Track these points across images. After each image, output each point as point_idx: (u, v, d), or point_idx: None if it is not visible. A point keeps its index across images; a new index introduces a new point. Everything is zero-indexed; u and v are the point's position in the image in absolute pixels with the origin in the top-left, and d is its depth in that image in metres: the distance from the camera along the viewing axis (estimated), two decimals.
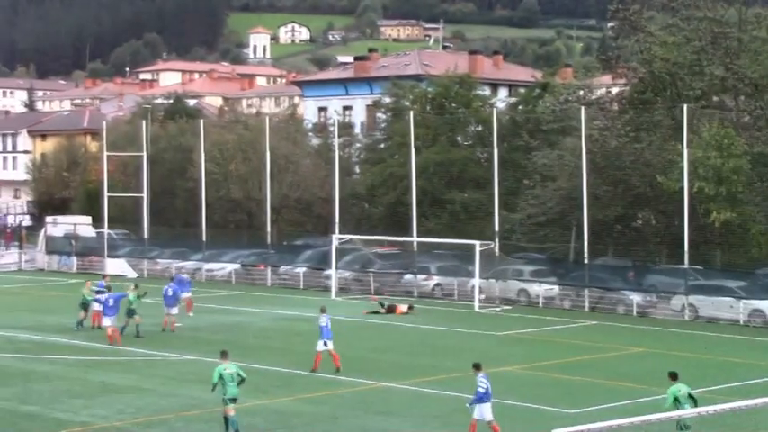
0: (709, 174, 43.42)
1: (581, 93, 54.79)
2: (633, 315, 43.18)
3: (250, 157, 62.08)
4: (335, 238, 49.30)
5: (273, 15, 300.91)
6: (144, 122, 62.14)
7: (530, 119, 57.19)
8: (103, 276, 44.02)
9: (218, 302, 46.25)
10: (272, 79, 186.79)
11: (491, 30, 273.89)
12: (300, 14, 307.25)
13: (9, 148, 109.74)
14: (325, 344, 29.92)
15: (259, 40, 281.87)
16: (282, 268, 54.04)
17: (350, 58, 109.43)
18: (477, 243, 45.29)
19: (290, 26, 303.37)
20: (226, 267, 55.63)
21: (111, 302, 35.49)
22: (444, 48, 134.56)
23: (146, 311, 37.41)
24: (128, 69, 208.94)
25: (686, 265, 42.63)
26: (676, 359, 33.33)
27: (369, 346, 35.60)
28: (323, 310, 30.38)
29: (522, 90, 68.42)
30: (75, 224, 62.79)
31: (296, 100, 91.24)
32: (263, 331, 38.88)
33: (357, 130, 74.29)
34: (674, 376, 21.04)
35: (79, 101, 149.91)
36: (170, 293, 38.24)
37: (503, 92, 76.88)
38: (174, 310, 38.29)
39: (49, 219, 65.53)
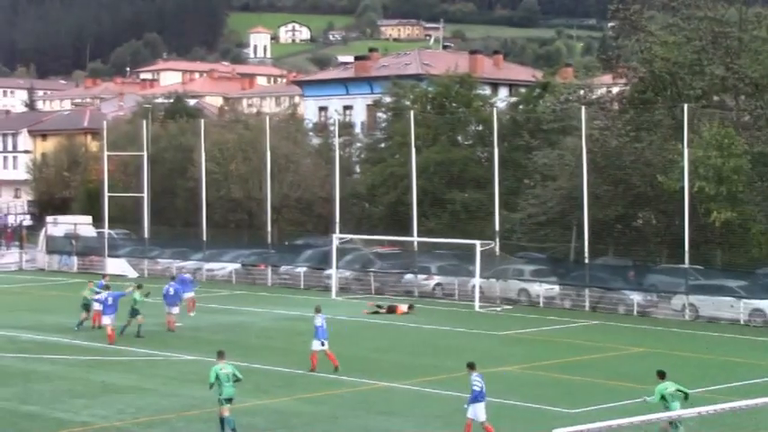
0: (709, 173, 43.42)
1: (581, 92, 54.80)
2: (634, 315, 43.18)
3: (250, 157, 62.08)
4: (336, 238, 49.30)
5: (274, 15, 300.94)
6: (144, 122, 62.15)
7: (530, 118, 57.18)
8: (103, 276, 44.06)
9: (219, 302, 46.26)
10: (272, 79, 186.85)
11: (491, 29, 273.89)
12: (301, 14, 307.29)
13: (9, 147, 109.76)
14: (322, 344, 29.94)
15: (259, 40, 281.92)
16: (283, 268, 54.04)
17: (350, 58, 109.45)
18: (477, 243, 45.31)
19: (290, 26, 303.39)
20: (226, 267, 55.64)
21: (110, 301, 35.53)
22: (445, 47, 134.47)
23: (147, 311, 37.39)
24: (128, 69, 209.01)
25: (687, 265, 42.63)
26: (677, 359, 33.35)
27: (369, 346, 35.61)
28: (318, 310, 30.39)
29: (522, 90, 68.41)
30: (75, 224, 62.80)
31: (296, 100, 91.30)
32: (264, 331, 38.89)
33: (357, 129, 74.29)
34: (661, 375, 21.33)
35: (79, 100, 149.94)
36: (171, 293, 38.27)
37: (503, 91, 76.88)
38: (175, 310, 38.33)
39: (49, 218, 65.54)
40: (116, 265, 57.47)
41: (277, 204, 58.50)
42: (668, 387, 20.97)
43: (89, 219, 64.11)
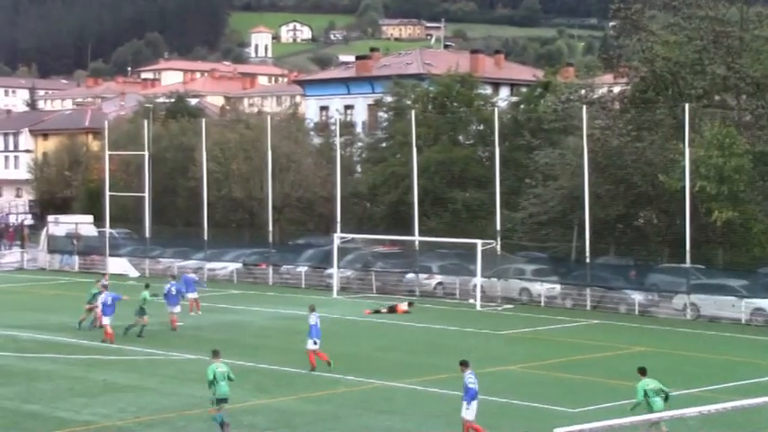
0: (710, 173, 43.41)
1: (582, 92, 54.80)
2: (635, 314, 43.17)
3: (252, 157, 62.08)
4: (337, 238, 49.30)
5: (275, 14, 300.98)
6: (146, 122, 62.14)
7: (531, 118, 57.17)
8: (103, 275, 44.06)
9: (220, 301, 46.27)
10: (273, 78, 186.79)
11: (492, 29, 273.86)
12: (302, 14, 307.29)
13: (11, 147, 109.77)
14: (315, 342, 29.96)
15: (260, 40, 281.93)
16: (284, 267, 54.04)
17: (351, 58, 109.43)
18: (478, 242, 45.31)
19: (291, 25, 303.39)
20: (227, 266, 55.64)
21: (109, 301, 35.59)
22: (446, 47, 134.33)
23: (149, 310, 37.39)
24: (129, 69, 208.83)
25: (688, 265, 42.61)
26: (678, 358, 33.37)
27: (371, 346, 35.62)
28: (312, 309, 30.41)
29: (523, 89, 68.39)
30: (76, 223, 62.81)
31: (297, 99, 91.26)
32: (265, 330, 38.91)
33: (359, 129, 74.28)
34: (642, 371, 21.77)
35: (81, 100, 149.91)
36: (173, 292, 38.33)
37: (504, 91, 76.86)
38: (177, 309, 38.38)
39: (50, 218, 65.55)
40: (117, 265, 57.48)
41: (278, 204, 58.49)
42: (649, 384, 21.40)
43: (90, 218, 64.13)
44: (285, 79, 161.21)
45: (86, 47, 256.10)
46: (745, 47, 48.24)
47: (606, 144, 47.84)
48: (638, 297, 43.76)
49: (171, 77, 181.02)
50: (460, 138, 61.44)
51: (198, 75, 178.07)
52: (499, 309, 44.93)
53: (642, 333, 38.55)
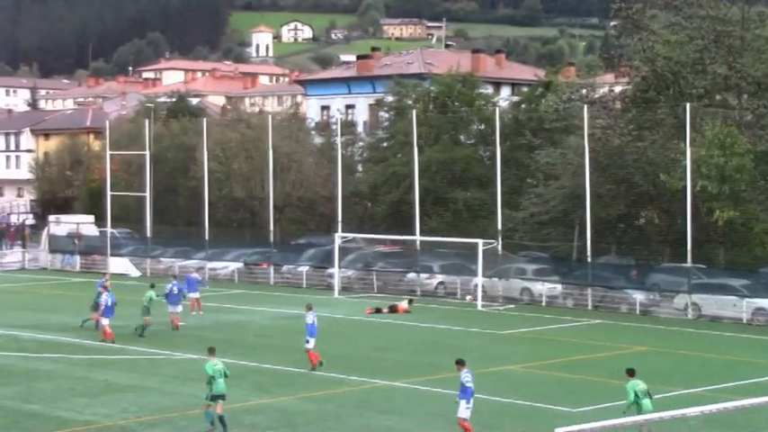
0: (712, 172, 43.40)
1: (584, 91, 54.77)
2: (636, 314, 43.16)
3: (253, 156, 62.08)
4: (338, 237, 49.29)
5: (276, 14, 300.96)
6: (147, 121, 62.13)
7: (532, 117, 57.17)
8: (103, 275, 44.04)
9: (221, 301, 46.27)
10: (274, 78, 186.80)
11: (494, 28, 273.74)
12: (303, 13, 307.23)
13: (12, 146, 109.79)
14: (307, 341, 29.99)
15: (262, 39, 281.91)
16: (285, 267, 54.04)
17: (353, 57, 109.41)
18: (479, 242, 45.29)
19: (292, 25, 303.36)
20: (229, 266, 55.64)
21: (109, 302, 35.63)
22: (447, 46, 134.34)
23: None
24: (131, 68, 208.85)
25: (689, 264, 42.59)
26: (680, 358, 33.37)
27: (371, 345, 35.61)
28: (309, 308, 30.42)
29: (524, 89, 68.38)
30: (78, 223, 62.80)
31: (299, 99, 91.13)
32: (266, 330, 38.91)
33: (360, 128, 74.27)
34: (631, 372, 21.94)
35: (82, 100, 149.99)
36: (174, 291, 38.38)
37: (505, 90, 76.84)
38: (179, 309, 38.39)
39: (52, 218, 65.56)
40: (119, 265, 57.49)
41: (279, 203, 58.49)
42: (638, 384, 21.44)
43: (92, 218, 64.10)
44: (286, 79, 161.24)
45: (88, 46, 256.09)
46: (747, 46, 48.21)
47: (607, 144, 47.83)
48: (639, 297, 43.75)
49: (172, 77, 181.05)
50: (462, 137, 61.43)
51: (199, 74, 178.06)
52: (501, 308, 44.91)
53: (643, 333, 38.54)
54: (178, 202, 66.35)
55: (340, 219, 52.05)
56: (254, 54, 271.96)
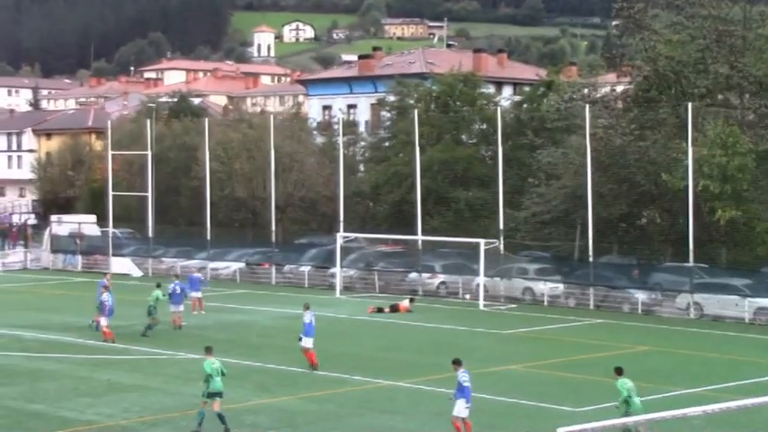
0: (714, 172, 43.39)
1: (585, 91, 54.79)
2: (638, 313, 43.16)
3: (255, 156, 62.09)
4: (340, 237, 49.31)
5: (278, 14, 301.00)
6: (148, 121, 62.18)
7: (534, 117, 57.18)
8: (104, 275, 44.04)
9: (223, 301, 46.29)
10: (276, 78, 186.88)
11: (495, 28, 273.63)
12: (304, 13, 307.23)
13: (14, 146, 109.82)
14: (300, 338, 30.00)
15: (263, 39, 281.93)
16: (287, 267, 54.06)
17: (354, 57, 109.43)
18: (481, 241, 45.31)
19: (294, 25, 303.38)
20: (230, 266, 55.67)
21: (110, 302, 35.67)
22: (448, 46, 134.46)
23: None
24: (132, 68, 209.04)
25: (691, 264, 42.59)
26: (681, 357, 33.37)
27: (373, 345, 35.62)
28: (307, 308, 30.42)
29: (526, 88, 68.39)
30: (79, 223, 62.86)
31: (300, 98, 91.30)
32: (268, 330, 38.92)
33: (361, 128, 74.28)
34: (619, 371, 22.00)
35: (84, 100, 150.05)
36: (177, 291, 38.43)
37: (507, 90, 76.84)
38: (181, 308, 38.42)
39: (53, 218, 65.60)
40: (120, 264, 57.54)
41: (281, 203, 58.51)
42: (627, 383, 21.49)
43: (93, 218, 64.15)
44: (288, 79, 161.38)
45: (89, 46, 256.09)
46: (748, 46, 48.19)
47: (609, 143, 47.84)
48: (641, 296, 43.75)
49: (174, 77, 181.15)
50: (463, 137, 61.44)
51: (201, 74, 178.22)
52: (502, 308, 44.92)
53: (645, 332, 38.54)
54: (180, 202, 66.37)
55: (342, 218, 52.07)
56: (255, 54, 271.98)
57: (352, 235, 51.18)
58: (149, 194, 58.19)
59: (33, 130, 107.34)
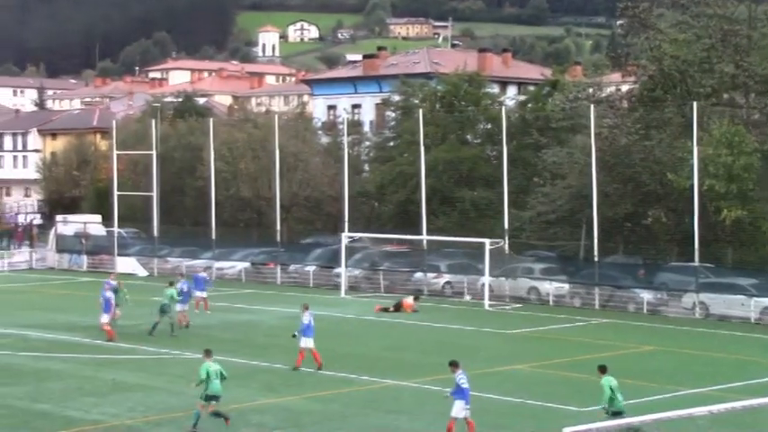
0: (719, 171, 43.33)
1: (590, 90, 54.72)
2: (644, 313, 43.11)
3: (259, 156, 62.12)
4: (345, 237, 49.31)
5: (283, 14, 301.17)
6: (153, 121, 62.20)
7: (539, 117, 57.13)
8: (109, 274, 44.06)
9: (229, 301, 46.30)
10: (281, 78, 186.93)
11: (500, 27, 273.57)
12: (309, 13, 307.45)
13: (19, 146, 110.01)
14: (294, 335, 30.01)
15: (268, 39, 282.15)
16: (292, 267, 54.08)
17: (359, 57, 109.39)
18: (486, 241, 45.27)
19: (299, 24, 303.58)
20: (236, 266, 55.68)
21: (113, 300, 35.74)
22: (453, 46, 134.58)
23: (156, 310, 37.47)
24: (137, 68, 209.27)
25: (697, 263, 42.54)
26: (687, 357, 33.33)
27: (379, 345, 35.62)
28: (306, 308, 30.41)
29: (531, 88, 68.29)
30: (85, 223, 62.92)
31: (305, 98, 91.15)
32: (273, 330, 38.89)
33: (366, 128, 74.25)
34: (603, 369, 22.03)
35: (89, 99, 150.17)
36: (185, 290, 38.50)
37: (512, 90, 76.77)
38: (187, 307, 38.45)
39: (59, 217, 65.69)
40: (126, 264, 57.59)
41: (286, 203, 58.52)
42: (612, 381, 21.55)
43: (99, 218, 64.23)
44: (293, 78, 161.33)
45: (94, 46, 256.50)
46: (754, 45, 48.12)
47: (614, 143, 47.80)
48: (646, 296, 43.70)
49: (179, 77, 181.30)
50: (468, 137, 61.41)
51: (206, 74, 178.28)
52: (508, 308, 44.89)
53: (651, 332, 38.49)
54: (185, 202, 66.41)
55: (347, 218, 52.06)
56: (260, 54, 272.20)
57: (357, 235, 51.18)
58: (154, 194, 58.23)
59: (38, 130, 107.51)
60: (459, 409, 22.07)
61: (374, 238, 53.39)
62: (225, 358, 26.47)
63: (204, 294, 42.23)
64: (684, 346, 35.15)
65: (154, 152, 59.23)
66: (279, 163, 55.37)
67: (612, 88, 57.52)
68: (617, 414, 20.84)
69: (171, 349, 33.73)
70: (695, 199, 42.66)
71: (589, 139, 46.24)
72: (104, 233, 61.86)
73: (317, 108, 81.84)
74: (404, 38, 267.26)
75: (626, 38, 55.34)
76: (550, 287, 46.00)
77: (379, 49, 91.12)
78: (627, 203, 48.46)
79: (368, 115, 77.54)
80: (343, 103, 78.39)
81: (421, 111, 54.62)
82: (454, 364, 22.55)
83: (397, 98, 65.50)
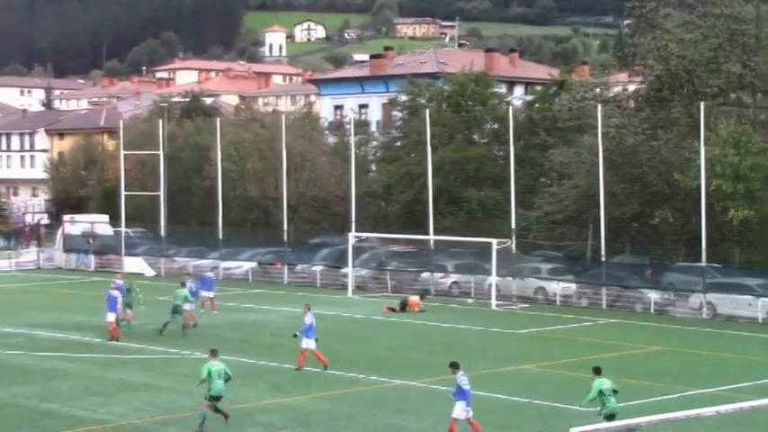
0: (726, 171, 43.28)
1: (597, 90, 54.73)
2: (651, 313, 43.07)
3: (266, 156, 62.16)
4: (352, 237, 49.33)
5: (290, 14, 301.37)
6: (161, 121, 62.32)
7: (546, 117, 57.10)
8: (115, 274, 44.13)
9: (236, 301, 46.36)
10: (288, 77, 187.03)
11: (507, 27, 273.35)
12: (316, 13, 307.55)
13: (27, 146, 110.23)
14: (295, 335, 30.01)
15: (275, 39, 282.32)
16: (299, 267, 54.13)
17: (366, 57, 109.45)
18: (494, 241, 45.27)
19: (305, 24, 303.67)
20: (243, 266, 55.75)
21: (119, 299, 35.83)
22: (460, 45, 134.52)
23: (162, 309, 37.52)
24: (145, 68, 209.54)
25: (704, 263, 42.50)
26: (694, 357, 33.31)
27: (386, 345, 35.63)
28: (308, 308, 30.42)
29: (538, 88, 68.27)
30: (92, 222, 63.04)
31: (312, 98, 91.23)
32: (281, 329, 38.86)
33: (373, 128, 74.29)
34: (597, 371, 22.15)
35: (96, 99, 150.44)
36: (193, 290, 38.59)
37: (519, 90, 76.74)
38: (194, 306, 38.50)
39: (66, 217, 65.81)
40: (133, 264, 57.68)
41: (293, 203, 58.57)
42: (605, 383, 21.48)
43: (106, 217, 64.33)
44: (300, 78, 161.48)
45: (102, 46, 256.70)
46: (761, 45, 48.03)
47: (621, 143, 47.76)
48: (654, 296, 43.66)
49: (186, 77, 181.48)
50: (475, 137, 61.41)
51: (213, 74, 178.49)
52: (515, 308, 44.88)
53: (658, 332, 38.46)
54: (192, 202, 66.51)
55: (354, 218, 52.09)
56: (267, 54, 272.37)
57: (364, 235, 51.20)
58: (161, 194, 58.34)
59: (46, 130, 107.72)
60: (460, 411, 22.07)
61: (381, 237, 53.41)
62: (232, 358, 26.52)
63: (211, 294, 42.30)
64: (692, 347, 35.12)
65: (161, 152, 59.34)
66: (286, 163, 55.40)
67: (619, 88, 57.48)
68: (610, 417, 20.81)
69: (179, 349, 33.78)
70: (702, 199, 42.62)
71: (596, 139, 46.23)
72: (112, 233, 61.96)
73: (324, 108, 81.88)
74: (411, 38, 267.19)
75: (633, 38, 55.29)
76: (558, 287, 45.98)
77: (386, 48, 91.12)
78: (634, 203, 48.44)
79: (375, 115, 77.57)
80: (350, 102, 78.46)
81: (428, 111, 54.65)
82: (455, 366, 22.56)
83: (404, 98, 65.52)
